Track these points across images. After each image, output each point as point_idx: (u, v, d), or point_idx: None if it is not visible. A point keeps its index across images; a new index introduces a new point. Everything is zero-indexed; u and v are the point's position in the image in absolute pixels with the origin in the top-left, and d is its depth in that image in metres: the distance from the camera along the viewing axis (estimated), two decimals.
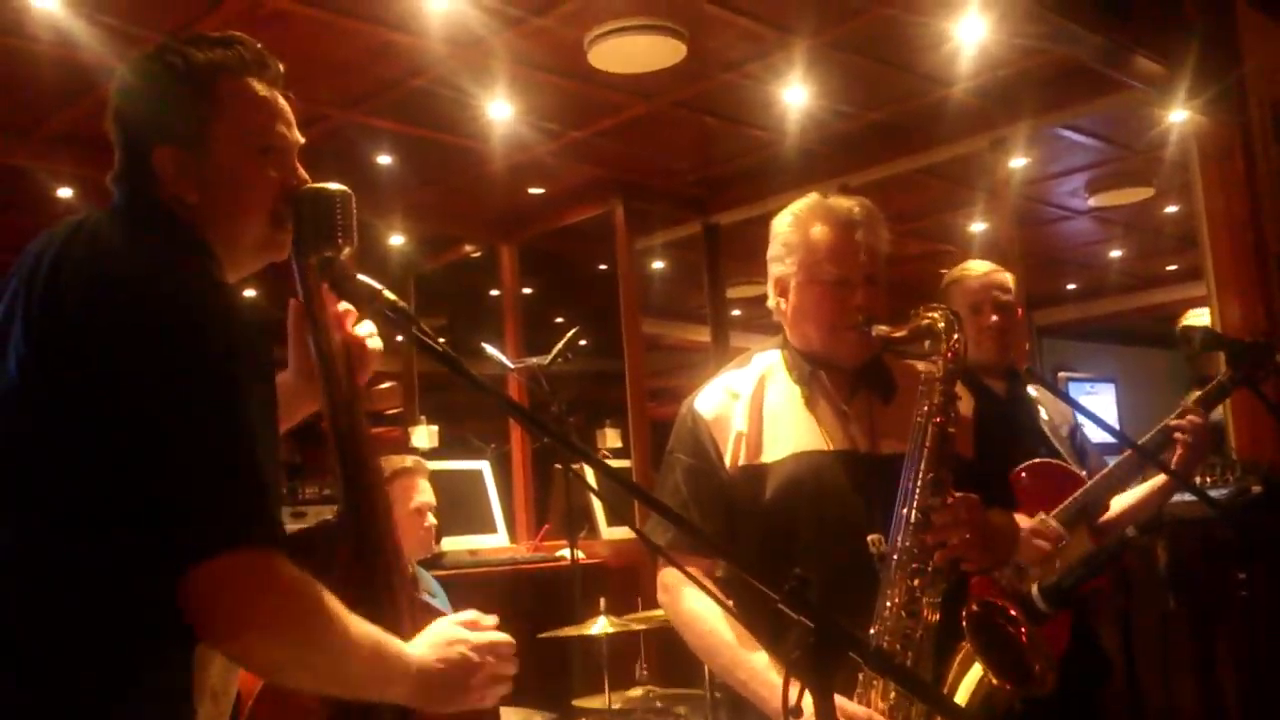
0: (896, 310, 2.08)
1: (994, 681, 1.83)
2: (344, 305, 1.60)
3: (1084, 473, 2.90)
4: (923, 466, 1.93)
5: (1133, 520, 2.67)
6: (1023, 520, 2.61)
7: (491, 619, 1.52)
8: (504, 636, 1.51)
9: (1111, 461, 2.93)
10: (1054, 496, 2.78)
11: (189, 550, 1.22)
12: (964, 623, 1.87)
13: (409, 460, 3.62)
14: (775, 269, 2.16)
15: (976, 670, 1.85)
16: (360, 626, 1.34)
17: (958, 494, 1.92)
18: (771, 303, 2.18)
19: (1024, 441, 2.86)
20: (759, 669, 1.90)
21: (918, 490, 1.92)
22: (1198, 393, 2.85)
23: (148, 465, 1.25)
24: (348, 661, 1.33)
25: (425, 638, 1.45)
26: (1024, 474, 2.78)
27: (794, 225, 2.14)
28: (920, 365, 2.07)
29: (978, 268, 3.01)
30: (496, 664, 1.47)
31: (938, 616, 1.88)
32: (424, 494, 3.54)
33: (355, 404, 1.54)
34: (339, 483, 1.50)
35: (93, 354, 1.28)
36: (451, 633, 1.47)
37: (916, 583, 1.88)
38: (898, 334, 2.04)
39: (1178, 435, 2.74)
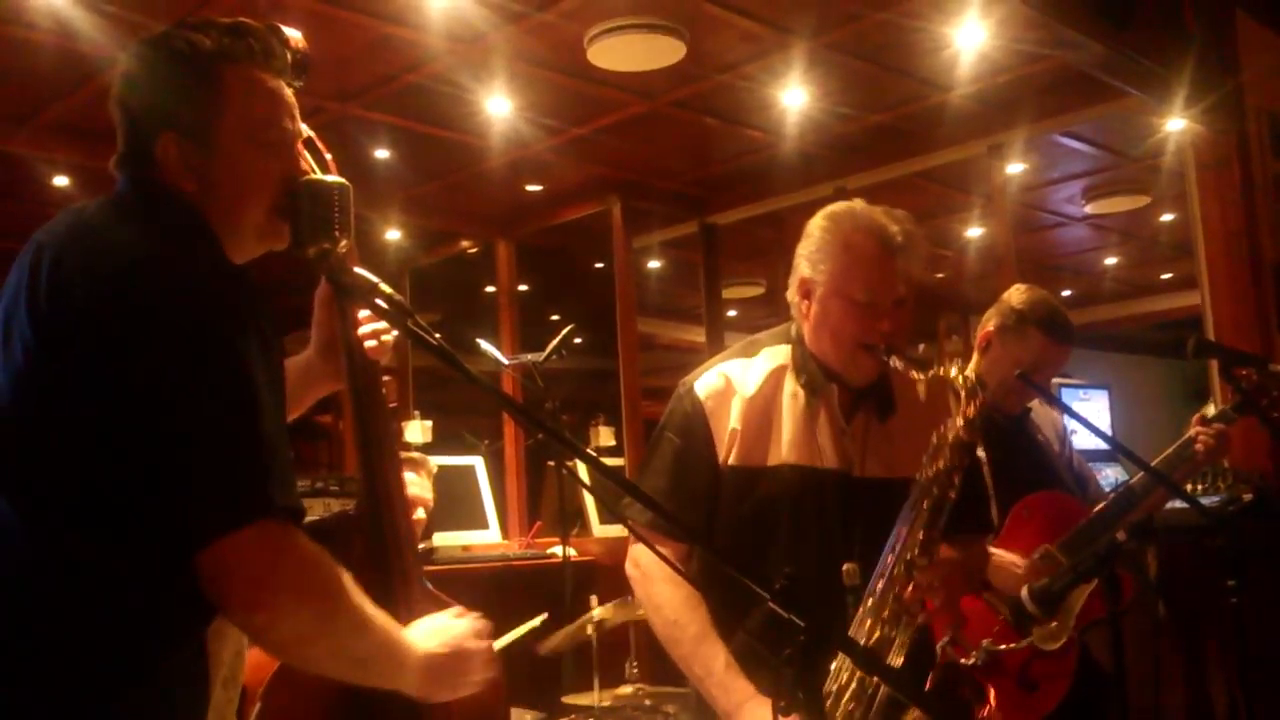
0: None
1: None
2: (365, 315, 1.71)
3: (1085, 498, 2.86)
4: (915, 525, 1.89)
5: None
6: (1016, 557, 2.61)
7: (474, 615, 1.56)
8: (484, 622, 1.54)
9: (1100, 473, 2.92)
10: (1058, 525, 2.72)
11: (211, 525, 1.23)
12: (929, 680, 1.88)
13: (415, 455, 3.64)
14: (803, 267, 2.06)
15: None
16: (373, 605, 1.36)
17: (944, 557, 1.91)
18: (791, 296, 2.09)
19: (1029, 476, 2.79)
20: (715, 668, 1.90)
21: (906, 545, 1.89)
22: (1213, 411, 2.81)
23: (162, 446, 1.25)
24: (365, 637, 1.34)
25: (422, 627, 1.47)
26: (1028, 506, 2.71)
27: (833, 231, 2.03)
28: (916, 375, 1.98)
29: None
30: (487, 650, 1.51)
31: (901, 659, 1.85)
32: (413, 487, 3.54)
33: (376, 390, 1.63)
34: (358, 465, 1.57)
35: (100, 341, 1.28)
36: (446, 622, 1.50)
37: (887, 629, 1.86)
38: (914, 374, 1.97)
39: (1199, 444, 2.73)
